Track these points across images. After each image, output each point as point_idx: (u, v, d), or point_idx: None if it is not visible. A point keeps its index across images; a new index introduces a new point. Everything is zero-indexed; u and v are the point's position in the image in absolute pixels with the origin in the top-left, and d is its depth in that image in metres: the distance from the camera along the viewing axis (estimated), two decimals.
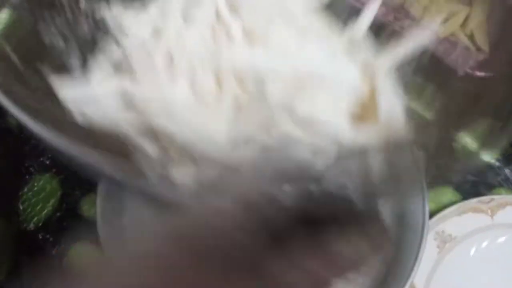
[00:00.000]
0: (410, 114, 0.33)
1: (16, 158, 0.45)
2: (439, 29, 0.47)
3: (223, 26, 0.27)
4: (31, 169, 0.44)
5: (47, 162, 0.44)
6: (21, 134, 0.46)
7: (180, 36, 0.27)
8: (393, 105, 0.28)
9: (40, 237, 0.42)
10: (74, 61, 0.30)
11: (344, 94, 0.27)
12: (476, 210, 0.42)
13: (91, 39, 0.30)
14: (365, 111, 0.28)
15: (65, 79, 0.27)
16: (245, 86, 0.26)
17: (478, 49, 0.47)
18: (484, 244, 0.42)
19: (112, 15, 0.28)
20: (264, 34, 0.28)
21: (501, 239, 0.42)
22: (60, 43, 0.29)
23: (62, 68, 0.28)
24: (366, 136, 0.26)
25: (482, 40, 0.46)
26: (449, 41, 0.45)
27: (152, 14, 0.29)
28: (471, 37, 0.48)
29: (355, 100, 0.27)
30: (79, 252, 0.41)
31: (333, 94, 0.26)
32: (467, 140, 0.46)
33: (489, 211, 0.42)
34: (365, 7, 0.31)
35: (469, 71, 0.44)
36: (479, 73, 0.45)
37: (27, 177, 0.44)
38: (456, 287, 0.41)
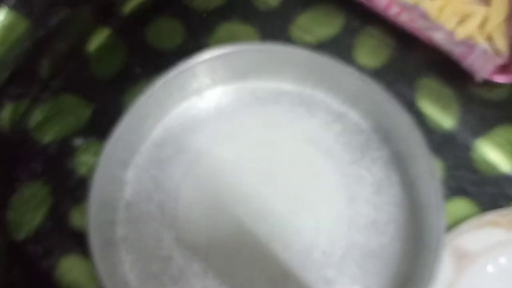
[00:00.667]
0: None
1: (6, 163, 0.42)
2: (455, 31, 0.44)
3: None
4: (21, 175, 0.42)
5: (39, 169, 0.42)
6: (12, 140, 0.43)
7: None
8: None
9: (30, 248, 0.39)
10: None
11: None
12: (494, 224, 0.40)
13: None
14: None
15: None
16: None
17: (497, 52, 0.44)
18: (502, 260, 0.39)
19: None
20: None
21: None
22: None
23: None
24: None
25: (501, 43, 0.44)
26: (466, 44, 0.42)
27: None
28: (489, 39, 0.45)
29: None
30: (70, 265, 0.39)
31: None
32: (485, 149, 0.44)
33: (508, 225, 0.40)
34: None
35: (487, 76, 0.42)
36: (498, 79, 0.42)
37: (16, 184, 0.42)
38: None
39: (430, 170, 0.35)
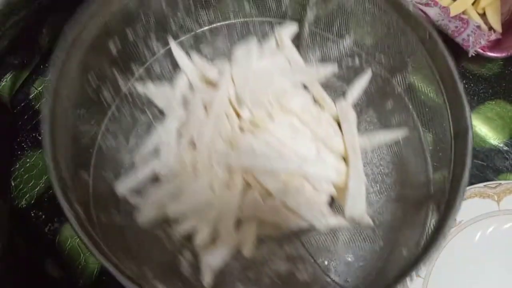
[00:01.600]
0: None
1: (8, 133, 0.43)
2: (449, 6, 0.45)
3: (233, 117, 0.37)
4: (23, 144, 0.43)
5: (40, 138, 0.43)
6: (14, 109, 0.44)
7: (201, 126, 0.36)
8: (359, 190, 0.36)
9: (33, 214, 0.40)
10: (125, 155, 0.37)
11: (324, 184, 0.37)
12: (482, 195, 0.41)
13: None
14: (339, 192, 0.37)
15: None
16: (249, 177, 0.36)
17: (490, 28, 0.45)
18: (490, 229, 0.41)
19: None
20: (265, 126, 0.37)
21: (507, 225, 0.41)
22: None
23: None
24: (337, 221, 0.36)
25: (494, 20, 0.45)
26: (460, 19, 0.43)
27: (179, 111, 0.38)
28: (483, 16, 0.45)
29: (332, 186, 0.37)
30: (72, 230, 0.39)
31: (316, 184, 0.37)
32: (476, 123, 0.45)
33: (495, 196, 0.41)
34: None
35: (480, 51, 0.42)
36: (491, 53, 0.43)
37: (19, 153, 0.42)
38: (459, 272, 0.40)
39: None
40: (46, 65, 0.44)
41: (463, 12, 0.45)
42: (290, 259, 0.36)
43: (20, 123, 0.44)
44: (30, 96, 0.45)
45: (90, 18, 0.31)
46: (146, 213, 0.34)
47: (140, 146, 0.37)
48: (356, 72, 0.40)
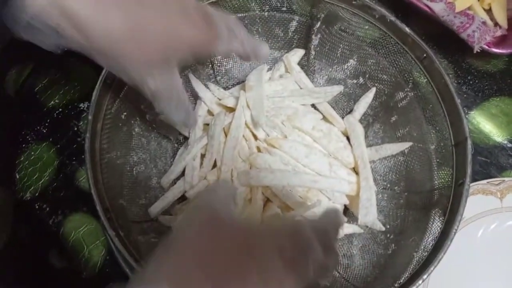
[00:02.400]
0: None
1: (14, 126, 0.44)
2: (455, 2, 0.44)
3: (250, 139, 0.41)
4: (28, 137, 0.43)
5: (45, 131, 0.43)
6: (19, 102, 0.44)
7: (221, 149, 0.40)
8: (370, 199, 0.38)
9: (37, 206, 0.41)
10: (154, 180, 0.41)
11: (338, 195, 0.40)
12: (485, 192, 0.41)
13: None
14: (352, 201, 0.40)
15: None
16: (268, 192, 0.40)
17: (496, 24, 0.45)
18: (493, 226, 0.41)
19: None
20: (280, 145, 0.40)
21: (510, 222, 0.41)
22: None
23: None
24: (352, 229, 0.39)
25: (500, 16, 0.44)
26: (465, 15, 0.42)
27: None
28: (489, 11, 0.45)
29: (345, 197, 0.40)
30: (76, 224, 0.40)
31: (330, 196, 0.40)
32: (480, 119, 0.45)
33: (498, 193, 0.41)
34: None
35: (485, 47, 0.42)
36: (496, 50, 0.42)
37: (23, 145, 0.43)
38: (461, 267, 0.41)
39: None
40: (51, 59, 0.45)
41: (469, 8, 0.45)
42: None
43: (25, 116, 0.44)
44: (35, 90, 0.45)
45: None
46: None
47: (168, 170, 0.41)
48: (361, 89, 0.42)
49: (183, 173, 0.40)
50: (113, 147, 0.37)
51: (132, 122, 0.39)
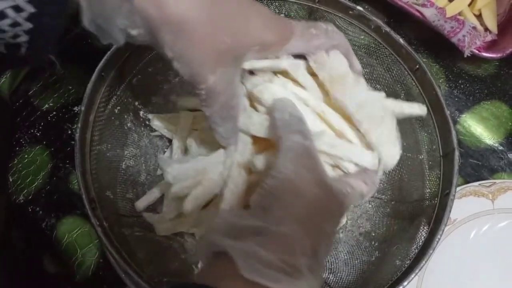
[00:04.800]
0: None
1: (7, 129, 0.44)
2: (446, 7, 0.45)
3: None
4: (21, 140, 0.43)
5: (38, 134, 0.43)
6: (13, 105, 0.44)
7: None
8: None
9: (30, 210, 0.41)
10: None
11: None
12: (477, 194, 0.42)
13: None
14: None
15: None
16: None
17: (486, 29, 0.45)
18: (484, 228, 0.42)
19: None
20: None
21: (501, 224, 0.42)
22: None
23: None
24: None
25: (490, 21, 0.45)
26: (456, 19, 0.43)
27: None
28: (479, 17, 0.46)
29: None
30: (69, 226, 0.40)
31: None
32: (471, 123, 0.45)
33: (490, 195, 0.41)
34: None
35: (476, 51, 0.43)
36: (486, 54, 0.43)
37: (17, 149, 0.43)
38: (453, 269, 0.41)
39: None
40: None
41: (459, 13, 0.45)
42: None
43: (18, 119, 0.44)
44: (29, 93, 0.45)
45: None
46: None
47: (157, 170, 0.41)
48: None
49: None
50: (104, 139, 0.37)
51: (125, 117, 0.40)
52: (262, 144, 0.33)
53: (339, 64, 0.32)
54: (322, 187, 0.26)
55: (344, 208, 0.28)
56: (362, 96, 0.32)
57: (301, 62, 0.32)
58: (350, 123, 0.32)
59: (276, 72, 0.33)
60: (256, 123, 0.32)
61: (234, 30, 0.27)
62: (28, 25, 0.23)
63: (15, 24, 0.23)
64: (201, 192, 0.34)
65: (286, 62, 0.32)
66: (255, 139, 0.33)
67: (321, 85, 0.33)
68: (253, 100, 0.33)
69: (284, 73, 0.33)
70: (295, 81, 0.33)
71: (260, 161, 0.32)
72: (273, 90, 0.32)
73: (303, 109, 0.32)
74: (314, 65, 0.32)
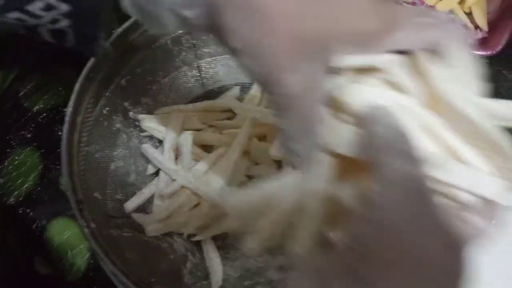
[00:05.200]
0: None
1: None
2: (436, 5, 0.45)
3: None
4: (12, 142, 0.43)
5: (29, 136, 0.43)
6: (3, 107, 0.44)
7: None
8: None
9: (20, 211, 0.41)
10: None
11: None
12: None
13: None
14: None
15: None
16: None
17: (476, 27, 0.45)
18: None
19: None
20: None
21: None
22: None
23: None
24: None
25: (480, 18, 0.45)
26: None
27: None
28: (469, 15, 0.46)
29: None
30: (60, 227, 0.40)
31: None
32: None
33: None
34: None
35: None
36: (477, 52, 0.43)
37: (8, 150, 0.43)
38: None
39: None
40: (36, 64, 0.45)
41: (450, 11, 0.45)
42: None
43: (9, 121, 0.44)
44: (20, 94, 0.45)
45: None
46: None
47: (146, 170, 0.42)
48: None
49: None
50: (93, 140, 0.37)
51: (114, 117, 0.40)
52: (345, 165, 0.24)
53: (464, 64, 0.24)
54: (445, 243, 0.18)
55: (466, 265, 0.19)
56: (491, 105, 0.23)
57: (399, 58, 0.24)
58: (469, 138, 0.23)
59: (361, 70, 0.24)
60: (341, 137, 0.23)
61: (325, 12, 0.21)
62: (65, 7, 0.21)
63: (48, 7, 0.20)
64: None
65: (387, 57, 0.23)
66: (336, 159, 0.24)
67: (427, 88, 0.23)
68: (335, 107, 0.24)
69: (374, 72, 0.24)
70: (390, 83, 0.24)
71: (347, 194, 0.23)
72: (366, 93, 0.23)
73: (405, 121, 0.22)
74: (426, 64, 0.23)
